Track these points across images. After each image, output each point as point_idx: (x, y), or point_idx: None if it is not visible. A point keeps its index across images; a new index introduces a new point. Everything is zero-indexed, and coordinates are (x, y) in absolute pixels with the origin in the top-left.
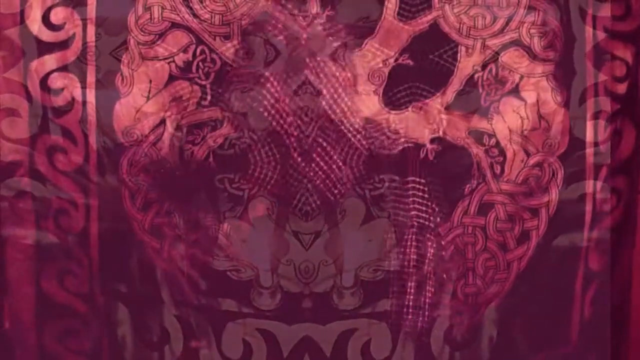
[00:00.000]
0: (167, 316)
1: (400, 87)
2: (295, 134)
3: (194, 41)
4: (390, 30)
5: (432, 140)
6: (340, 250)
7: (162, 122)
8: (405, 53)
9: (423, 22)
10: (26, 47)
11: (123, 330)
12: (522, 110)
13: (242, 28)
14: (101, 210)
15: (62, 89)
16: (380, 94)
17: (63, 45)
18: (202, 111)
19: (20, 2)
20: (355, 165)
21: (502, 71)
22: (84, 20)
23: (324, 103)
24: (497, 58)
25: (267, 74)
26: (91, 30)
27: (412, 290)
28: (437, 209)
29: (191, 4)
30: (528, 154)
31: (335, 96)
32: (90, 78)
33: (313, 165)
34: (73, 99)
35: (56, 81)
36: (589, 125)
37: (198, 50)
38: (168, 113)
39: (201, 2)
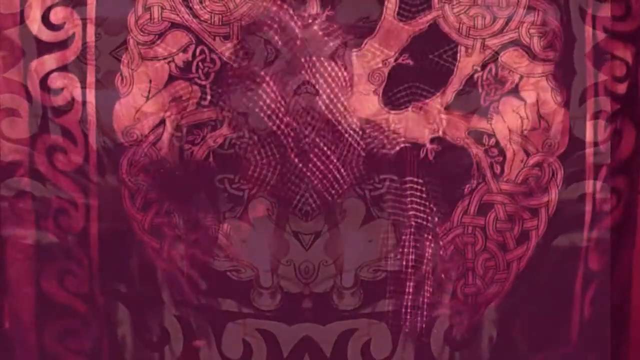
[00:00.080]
0: (167, 316)
1: (400, 87)
2: (295, 134)
3: (194, 41)
4: (390, 30)
5: (432, 140)
6: (340, 250)
7: (162, 122)
8: (405, 53)
9: (423, 22)
10: (26, 47)
11: (123, 331)
12: (521, 110)
13: (242, 28)
14: (101, 210)
15: (62, 89)
16: (380, 94)
17: (63, 45)
18: (202, 111)
19: (20, 2)
20: (355, 165)
21: (501, 71)
22: (84, 20)
23: (323, 103)
24: (497, 58)
25: (266, 74)
26: (91, 30)
27: (411, 290)
28: (435, 209)
29: (191, 4)
30: (528, 154)
31: (335, 96)
32: (90, 78)
33: (310, 165)
34: (73, 98)
35: (56, 81)
36: (589, 125)
37: (198, 50)
38: (168, 113)
39: (201, 3)
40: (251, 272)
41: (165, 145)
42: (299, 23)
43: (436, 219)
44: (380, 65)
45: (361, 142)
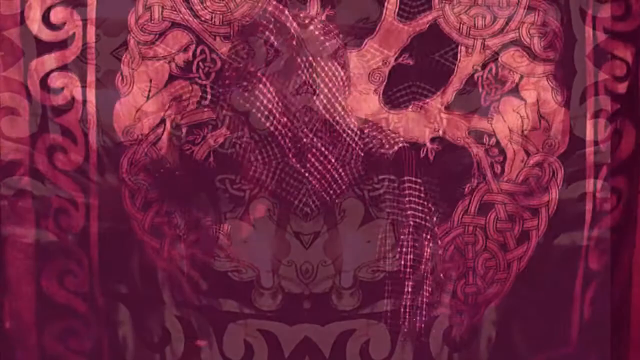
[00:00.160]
0: (168, 317)
1: (401, 87)
2: (293, 134)
3: (194, 41)
4: (390, 30)
5: (432, 140)
6: (339, 251)
7: (162, 121)
8: (406, 52)
9: (423, 22)
10: (26, 46)
11: (124, 331)
12: (522, 109)
13: (242, 28)
14: (101, 210)
15: (62, 88)
16: (380, 94)
17: (63, 44)
18: (202, 111)
19: (20, 3)
20: (354, 165)
21: (502, 71)
22: (84, 20)
23: (323, 103)
24: (497, 58)
25: (266, 73)
26: (91, 30)
27: (410, 290)
28: (433, 209)
29: (191, 4)
30: (528, 154)
31: (335, 96)
32: (90, 77)
33: (308, 165)
34: (73, 98)
35: (56, 80)
36: (589, 124)
37: (198, 50)
38: (168, 112)
39: (202, 2)
40: (252, 272)
41: (165, 144)
42: (299, 23)
43: (435, 218)
44: (380, 65)
45: (359, 142)
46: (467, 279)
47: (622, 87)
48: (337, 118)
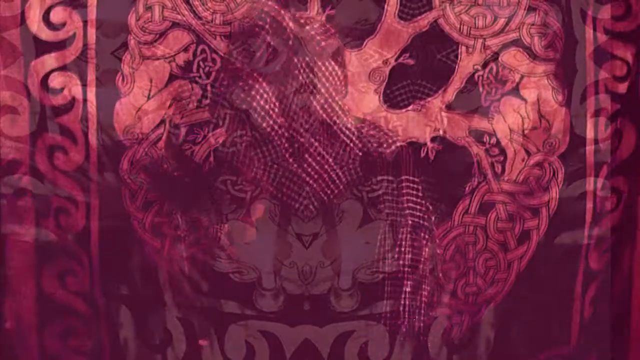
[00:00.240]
0: (169, 318)
1: (401, 86)
2: (291, 134)
3: (195, 40)
4: (391, 30)
5: (432, 139)
6: (338, 252)
7: (163, 121)
8: (406, 52)
9: (423, 22)
10: (26, 46)
11: (125, 332)
12: (522, 109)
13: (243, 27)
14: (101, 209)
15: (62, 88)
16: (381, 93)
17: (63, 44)
18: (202, 110)
19: (20, 3)
20: (353, 166)
21: (502, 70)
22: (84, 20)
23: (323, 103)
24: (498, 57)
25: (266, 73)
26: (91, 30)
27: (409, 290)
28: (431, 208)
29: (192, 4)
30: (529, 153)
31: (335, 96)
32: (91, 77)
33: (305, 165)
34: (73, 97)
35: (56, 80)
36: (590, 122)
37: (199, 50)
38: (169, 112)
39: (202, 2)
40: (254, 273)
41: (166, 144)
42: (298, 23)
43: (433, 217)
44: (381, 64)
45: (358, 142)
46: (468, 278)
47: (622, 87)
48: (335, 118)
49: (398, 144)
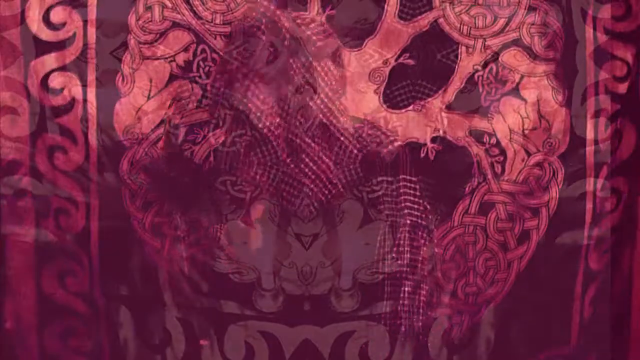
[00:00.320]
0: (169, 318)
1: (401, 86)
2: (289, 134)
3: (195, 40)
4: (391, 30)
5: (432, 140)
6: (338, 252)
7: (163, 121)
8: (406, 52)
9: (423, 22)
10: (26, 46)
11: (125, 332)
12: (522, 109)
13: (243, 27)
14: (101, 210)
15: (62, 88)
16: (381, 94)
17: (63, 44)
18: (202, 110)
19: (20, 3)
20: (352, 166)
21: (502, 70)
22: (85, 20)
23: (322, 103)
24: (498, 57)
25: (266, 73)
26: (91, 30)
27: (409, 290)
28: (429, 207)
29: (192, 3)
30: (529, 153)
31: (335, 96)
32: (91, 77)
33: (302, 166)
34: (73, 98)
35: (56, 80)
36: (590, 123)
37: (199, 50)
38: (169, 112)
39: (202, 2)
40: (253, 274)
41: (165, 144)
42: (297, 24)
43: (431, 217)
44: (380, 64)
45: (356, 143)
46: (468, 278)
47: (622, 88)
48: (333, 118)
49: (397, 144)
